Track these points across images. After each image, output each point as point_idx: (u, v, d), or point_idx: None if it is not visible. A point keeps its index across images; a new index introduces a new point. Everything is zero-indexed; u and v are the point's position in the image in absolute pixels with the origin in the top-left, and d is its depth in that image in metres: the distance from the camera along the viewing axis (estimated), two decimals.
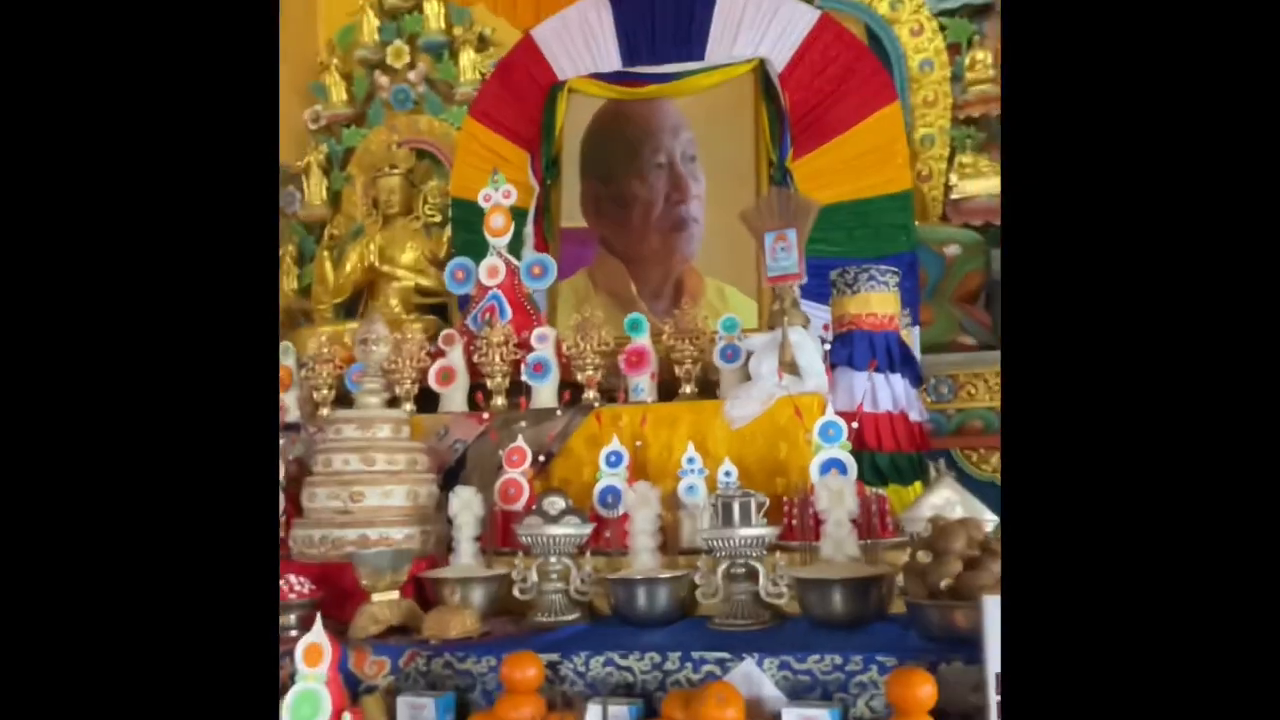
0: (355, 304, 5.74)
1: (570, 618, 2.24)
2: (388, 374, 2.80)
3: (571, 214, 4.33)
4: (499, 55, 6.02)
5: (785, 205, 2.65)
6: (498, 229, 3.26)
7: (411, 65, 6.15)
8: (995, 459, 3.32)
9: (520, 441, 2.58)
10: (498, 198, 3.31)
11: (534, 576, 2.30)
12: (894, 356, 2.61)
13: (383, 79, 6.19)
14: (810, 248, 4.04)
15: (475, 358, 2.93)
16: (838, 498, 2.12)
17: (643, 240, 4.33)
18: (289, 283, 6.00)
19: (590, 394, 2.77)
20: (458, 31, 6.12)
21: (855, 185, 4.04)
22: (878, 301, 2.64)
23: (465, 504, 2.35)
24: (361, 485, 2.45)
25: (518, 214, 4.49)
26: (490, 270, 3.19)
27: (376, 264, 5.65)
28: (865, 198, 4.02)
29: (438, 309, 5.43)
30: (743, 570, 2.15)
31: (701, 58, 4.29)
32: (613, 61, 4.41)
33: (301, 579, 2.30)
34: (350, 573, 2.36)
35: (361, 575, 2.22)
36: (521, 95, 4.52)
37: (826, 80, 4.12)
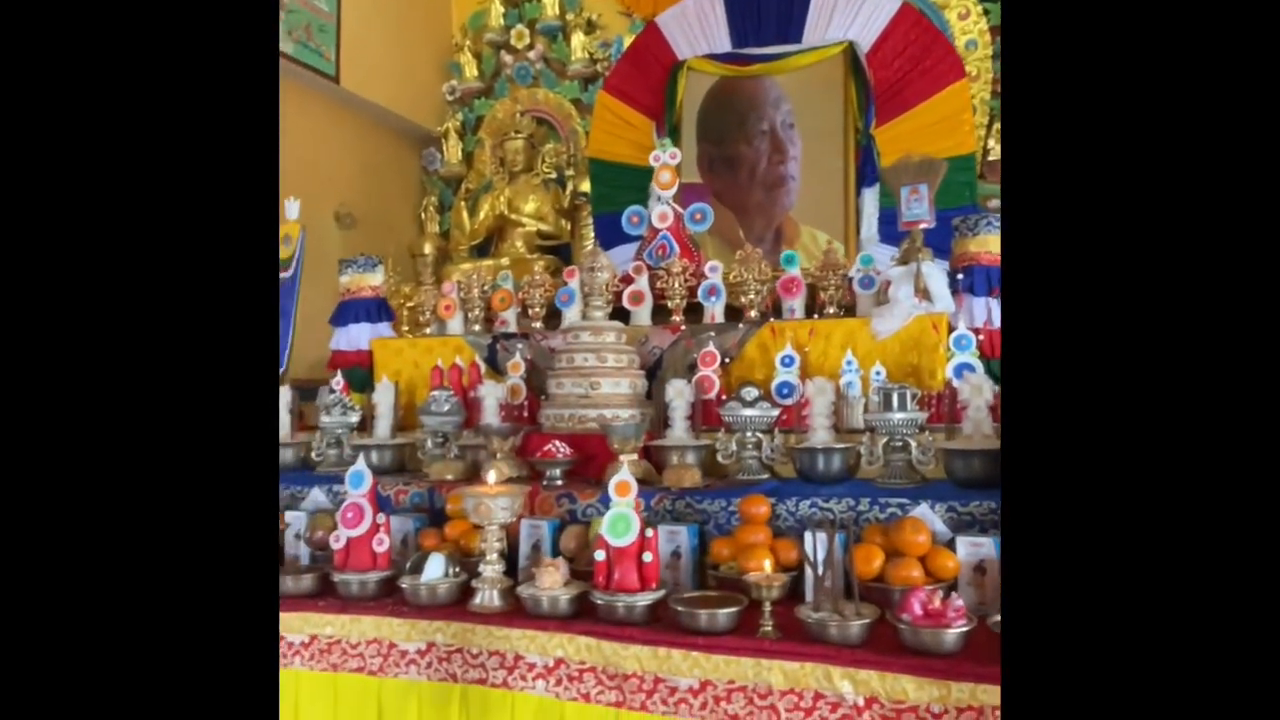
0: (486, 246, 5.93)
1: (763, 477, 2.51)
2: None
3: (689, 172, 4.49)
4: (604, 37, 6.16)
5: (919, 165, 2.83)
6: (665, 183, 3.44)
7: (530, 46, 6.28)
8: None
9: (711, 346, 2.83)
10: (665, 159, 3.47)
11: (734, 447, 2.57)
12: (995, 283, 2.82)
13: (507, 58, 6.33)
14: (887, 200, 4.24)
15: (657, 284, 3.17)
16: (977, 390, 2.36)
17: (749, 194, 4.51)
18: (431, 227, 6.19)
19: (753, 313, 3.02)
20: (570, 17, 6.23)
21: (928, 149, 4.12)
22: (993, 242, 2.83)
23: (679, 392, 2.60)
24: (598, 377, 2.71)
25: (645, 172, 4.69)
26: (661, 216, 3.38)
27: (506, 213, 5.83)
28: (936, 159, 4.15)
29: (556, 249, 5.62)
30: (900, 444, 2.41)
31: (799, 41, 4.39)
32: (724, 44, 4.53)
33: (561, 443, 2.57)
34: (590, 441, 2.64)
35: (613, 441, 2.49)
36: (647, 73, 4.65)
37: (906, 60, 4.22)
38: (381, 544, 2.30)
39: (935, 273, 2.71)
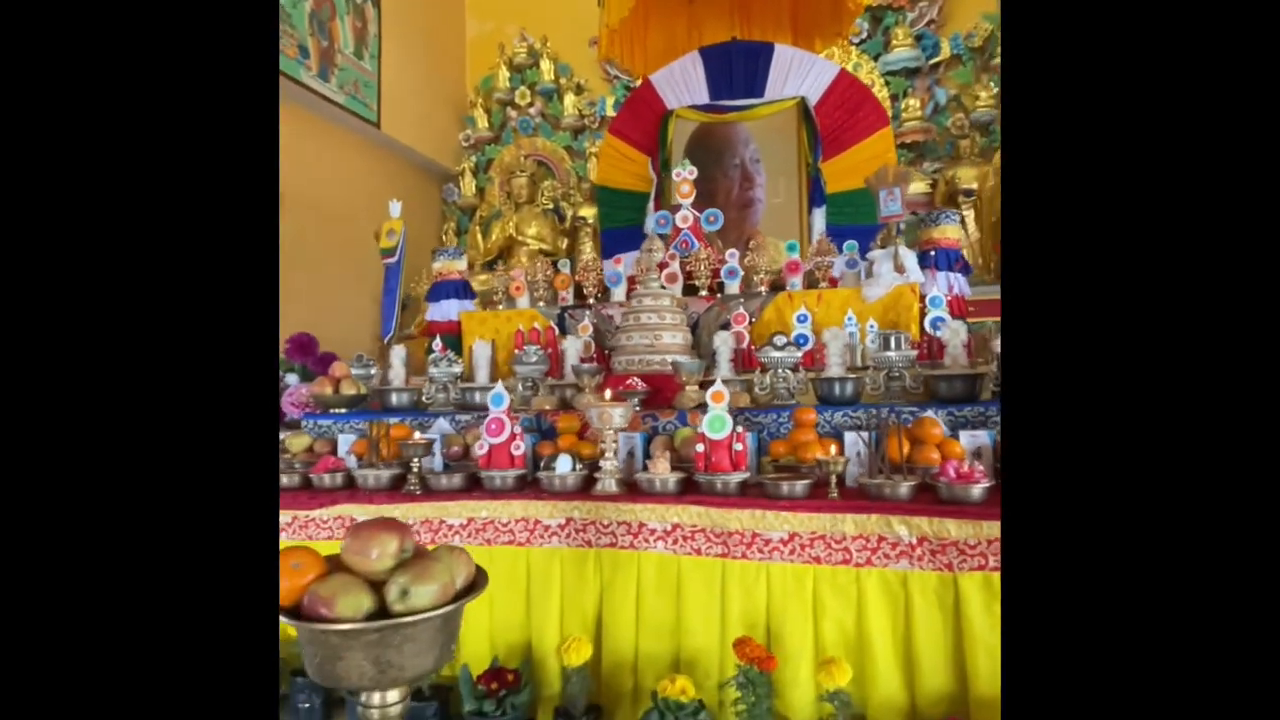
0: (495, 262, 5.99)
1: (791, 402, 2.70)
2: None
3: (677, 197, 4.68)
4: (590, 97, 6.32)
5: (893, 174, 3.08)
6: (685, 194, 3.61)
7: (531, 104, 6.40)
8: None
9: (741, 309, 3.01)
10: (685, 174, 3.64)
11: (768, 381, 2.75)
12: (954, 261, 3.09)
13: (512, 113, 6.45)
14: (832, 217, 4.51)
15: (687, 267, 3.34)
16: (955, 334, 2.59)
17: (726, 213, 4.69)
18: (450, 245, 6.21)
19: (762, 289, 3.22)
20: (563, 81, 6.37)
21: (861, 179, 4.43)
22: (952, 230, 3.09)
23: (724, 341, 2.76)
24: (660, 330, 2.86)
25: (643, 196, 4.86)
26: (683, 218, 3.56)
27: (514, 235, 5.93)
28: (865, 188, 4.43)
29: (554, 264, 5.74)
30: (896, 375, 2.62)
31: (762, 95, 4.62)
32: (703, 97, 4.71)
33: (637, 379, 2.71)
34: (656, 379, 2.78)
35: (682, 375, 2.64)
36: (642, 119, 4.80)
37: (844, 111, 4.49)
38: (518, 449, 2.40)
39: (908, 253, 2.96)
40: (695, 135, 4.77)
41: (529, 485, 2.42)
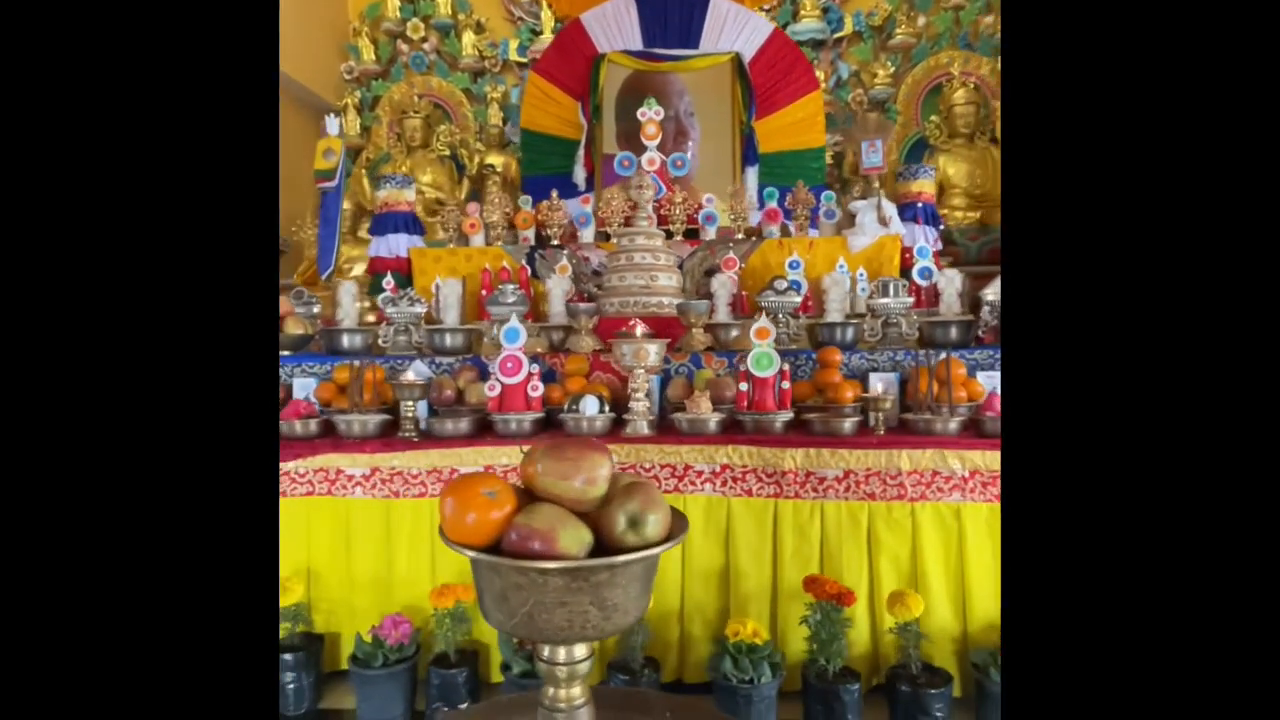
0: None
1: (794, 346, 2.68)
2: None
3: (610, 145, 4.51)
4: (492, 38, 5.97)
5: (875, 124, 3.12)
6: (651, 135, 3.44)
7: (425, 39, 5.95)
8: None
9: (730, 254, 2.93)
10: (651, 114, 3.48)
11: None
12: (931, 215, 3.19)
13: (403, 46, 5.96)
14: (764, 177, 4.55)
15: (661, 211, 3.21)
16: (950, 282, 2.67)
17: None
18: None
19: (739, 235, 3.16)
20: (461, 17, 5.97)
21: (792, 140, 4.47)
22: (926, 185, 3.18)
23: (722, 284, 2.69)
24: (655, 271, 2.72)
25: (572, 143, 4.66)
26: (649, 161, 3.40)
27: None
28: (797, 149, 4.49)
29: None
30: (894, 322, 2.67)
31: (697, 47, 4.52)
32: (636, 43, 4.54)
33: (638, 320, 2.55)
34: (654, 321, 2.65)
35: (690, 317, 2.53)
36: (572, 61, 4.56)
37: (777, 71, 4.49)
38: (536, 389, 2.19)
39: (889, 206, 3.02)
40: (629, 83, 4.60)
41: (546, 429, 2.22)
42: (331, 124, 3.03)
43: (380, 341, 2.72)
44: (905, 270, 2.97)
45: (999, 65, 5.20)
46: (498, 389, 2.17)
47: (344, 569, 2.10)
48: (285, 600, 1.97)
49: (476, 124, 5.90)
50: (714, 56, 4.55)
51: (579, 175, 4.44)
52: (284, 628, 2.01)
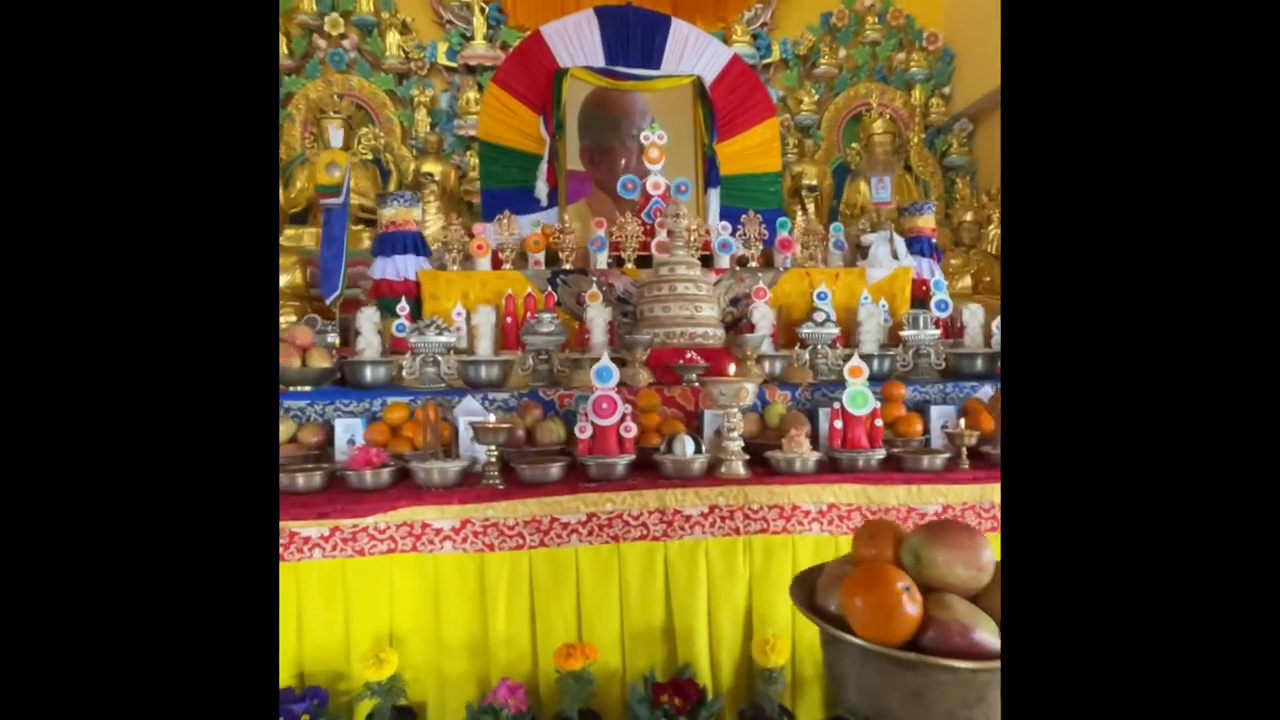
0: (305, 215, 5.20)
1: (832, 378, 2.71)
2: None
3: (573, 161, 4.41)
4: (419, 40, 5.70)
5: (883, 160, 3.24)
6: (655, 159, 3.43)
7: (344, 35, 5.59)
8: None
9: (761, 283, 2.94)
10: (654, 138, 3.45)
11: (806, 356, 2.73)
12: (933, 249, 3.34)
13: (320, 41, 5.57)
14: (725, 198, 4.63)
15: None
16: (975, 315, 2.83)
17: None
18: None
19: (752, 263, 3.18)
20: (384, 15, 5.67)
21: (750, 165, 4.58)
22: (928, 221, 3.33)
23: (763, 315, 2.70)
24: (700, 301, 2.67)
25: (532, 157, 4.52)
26: (654, 185, 3.37)
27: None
28: (755, 173, 4.59)
29: (371, 222, 5.13)
30: (925, 353, 2.79)
31: (659, 68, 4.55)
32: (599, 60, 4.47)
33: (695, 354, 2.52)
34: (703, 352, 2.62)
35: (746, 349, 2.52)
36: (533, 73, 4.43)
37: (736, 96, 4.57)
38: (629, 431, 2.10)
39: (899, 239, 3.15)
40: (591, 99, 4.51)
41: (638, 471, 2.14)
42: (335, 135, 2.76)
43: (405, 374, 2.50)
44: (914, 302, 3.11)
45: (911, 99, 5.60)
46: (589, 431, 2.06)
47: (431, 632, 1.91)
48: (381, 673, 1.76)
49: (401, 128, 5.61)
50: (676, 78, 4.57)
51: (541, 190, 4.31)
52: (372, 704, 1.79)
